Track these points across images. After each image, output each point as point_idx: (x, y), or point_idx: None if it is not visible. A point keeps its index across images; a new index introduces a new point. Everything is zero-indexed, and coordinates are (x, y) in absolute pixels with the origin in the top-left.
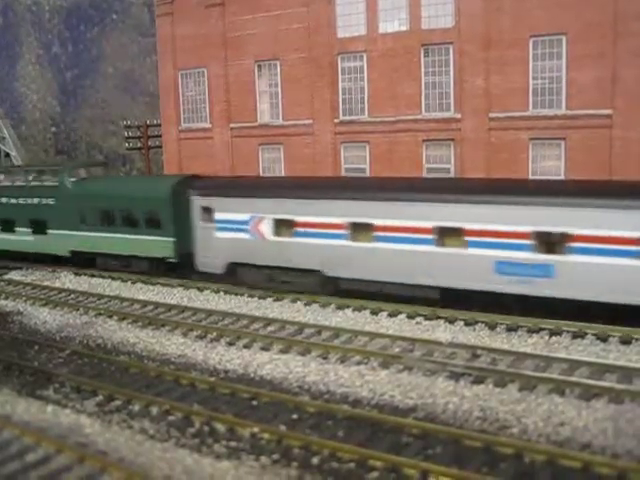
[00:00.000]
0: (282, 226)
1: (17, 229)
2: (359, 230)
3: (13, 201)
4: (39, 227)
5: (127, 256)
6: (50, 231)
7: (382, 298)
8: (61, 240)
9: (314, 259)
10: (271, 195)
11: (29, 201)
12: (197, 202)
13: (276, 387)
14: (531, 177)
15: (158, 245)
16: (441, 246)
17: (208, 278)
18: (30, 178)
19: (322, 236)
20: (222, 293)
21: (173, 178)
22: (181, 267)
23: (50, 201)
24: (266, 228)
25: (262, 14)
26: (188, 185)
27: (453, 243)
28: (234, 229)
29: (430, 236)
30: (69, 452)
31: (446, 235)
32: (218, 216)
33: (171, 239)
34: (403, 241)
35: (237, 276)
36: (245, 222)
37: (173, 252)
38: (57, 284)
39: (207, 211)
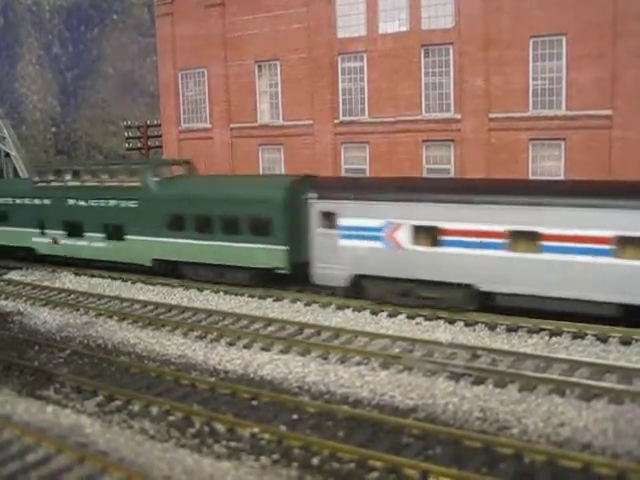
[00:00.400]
0: (423, 234)
1: (87, 234)
2: (522, 239)
3: (82, 203)
4: (115, 232)
5: (222, 266)
6: (129, 237)
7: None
8: (142, 247)
9: (465, 272)
10: (411, 199)
11: (103, 203)
12: (316, 206)
13: (276, 387)
14: (531, 177)
15: (266, 254)
16: (622, 257)
17: (325, 291)
18: (105, 178)
19: (476, 246)
20: (222, 293)
21: (285, 178)
22: (292, 279)
23: (130, 203)
24: (403, 236)
25: (262, 14)
26: (304, 187)
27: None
28: (363, 237)
29: (608, 246)
30: (69, 452)
31: (628, 245)
32: (343, 222)
33: (283, 247)
34: (577, 252)
35: (363, 290)
36: (378, 229)
37: (285, 262)
38: (57, 284)
39: (329, 216)
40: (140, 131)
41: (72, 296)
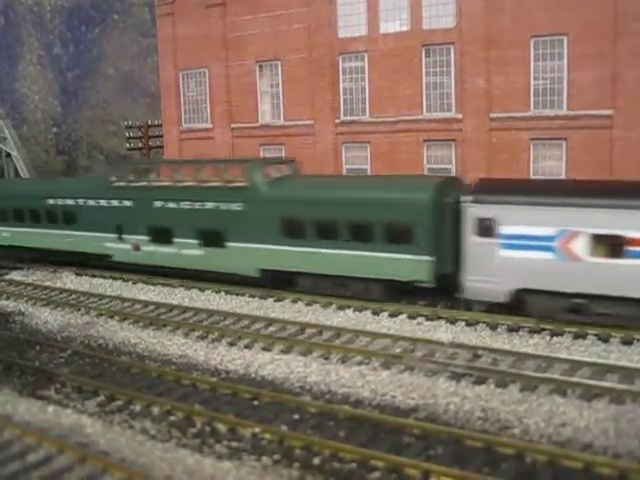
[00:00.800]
0: (604, 243)
1: (177, 240)
2: None
3: (172, 205)
4: (212, 239)
5: (346, 277)
6: (230, 244)
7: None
8: (248, 256)
9: None
10: (592, 204)
11: (198, 206)
12: (471, 211)
13: (277, 387)
14: (532, 177)
15: (405, 265)
16: None
17: (477, 306)
18: (201, 177)
19: None
20: (223, 293)
21: (427, 179)
22: (432, 292)
23: (233, 206)
24: (580, 246)
25: (263, 14)
26: (449, 188)
27: None
28: (530, 247)
29: None
30: (70, 452)
31: None
32: (505, 230)
33: (426, 258)
34: None
35: (524, 305)
36: (549, 238)
37: (428, 274)
38: (58, 284)
39: (486, 223)
40: (141, 131)
41: (73, 296)
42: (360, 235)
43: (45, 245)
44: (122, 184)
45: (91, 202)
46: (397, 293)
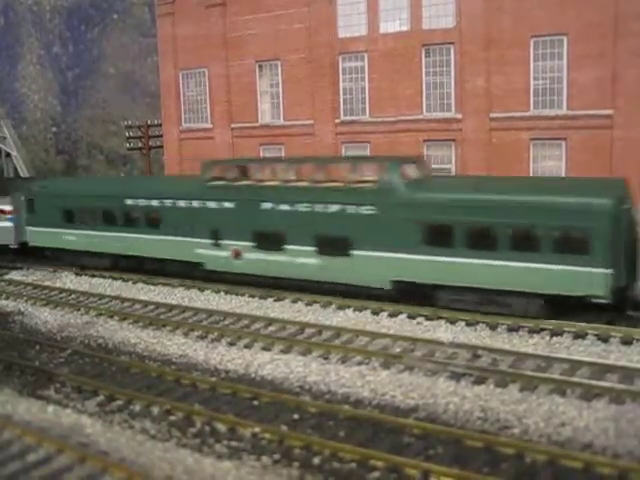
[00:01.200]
0: None
1: (288, 247)
2: None
3: (284, 208)
4: (334, 246)
5: (499, 291)
6: (357, 252)
7: (385, 298)
8: (378, 266)
9: None
10: None
11: (319, 208)
12: None
13: (277, 387)
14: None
15: (578, 278)
16: None
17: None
18: (320, 177)
19: None
20: (223, 293)
21: (604, 183)
22: (601, 308)
23: (363, 210)
24: None
25: (263, 14)
26: (626, 193)
27: None
28: None
29: None
30: (70, 452)
31: None
32: None
33: (604, 270)
34: None
35: None
36: None
37: (605, 289)
38: (58, 284)
39: None
40: (141, 131)
41: (73, 296)
42: (523, 244)
43: (120, 251)
44: (222, 183)
45: (181, 203)
46: (560, 310)
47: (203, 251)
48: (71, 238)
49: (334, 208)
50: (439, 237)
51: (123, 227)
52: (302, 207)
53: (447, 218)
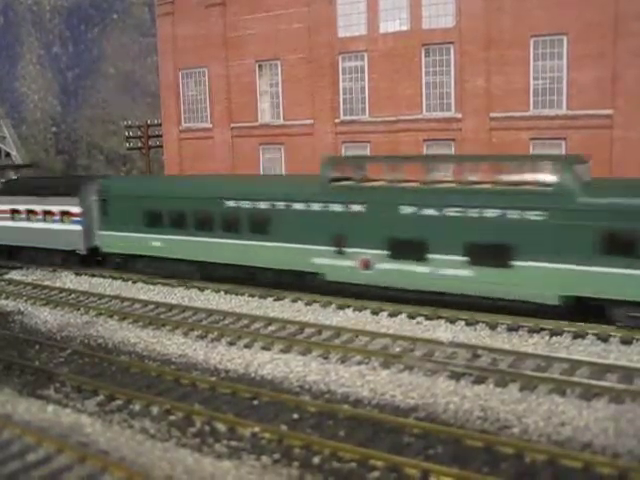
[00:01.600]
0: None
1: (432, 257)
2: None
3: (429, 212)
4: (491, 256)
5: None
6: (521, 263)
7: (384, 298)
8: (546, 278)
9: None
10: None
11: (474, 213)
12: None
13: (277, 387)
14: None
15: None
16: None
17: None
18: (474, 178)
19: None
20: (223, 293)
21: None
22: None
23: (531, 215)
24: None
25: (263, 14)
26: None
27: None
28: None
29: None
30: (70, 452)
31: None
32: None
33: None
34: None
35: None
36: None
37: None
38: (58, 284)
39: None
40: (141, 131)
41: (73, 296)
42: None
43: (218, 259)
44: (349, 184)
45: (297, 206)
46: None
47: (323, 260)
48: (156, 244)
49: (492, 213)
50: (621, 247)
51: (223, 232)
52: (452, 211)
53: (633, 226)
